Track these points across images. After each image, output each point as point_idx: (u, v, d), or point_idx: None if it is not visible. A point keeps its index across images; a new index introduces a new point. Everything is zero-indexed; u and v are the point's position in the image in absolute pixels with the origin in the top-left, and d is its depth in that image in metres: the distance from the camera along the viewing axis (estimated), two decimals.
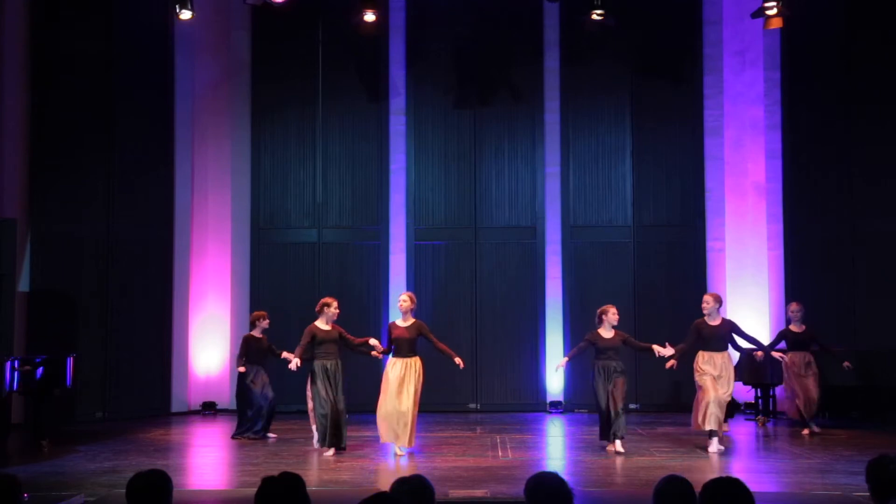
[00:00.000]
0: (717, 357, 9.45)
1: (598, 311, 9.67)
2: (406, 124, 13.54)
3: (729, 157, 13.33)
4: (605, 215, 13.44)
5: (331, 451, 9.30)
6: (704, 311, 9.52)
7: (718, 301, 9.67)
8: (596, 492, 7.44)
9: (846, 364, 10.83)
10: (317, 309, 9.80)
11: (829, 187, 12.90)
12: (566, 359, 10.09)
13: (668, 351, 9.45)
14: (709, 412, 9.26)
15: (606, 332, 9.57)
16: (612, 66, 13.47)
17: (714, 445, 9.25)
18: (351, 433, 10.85)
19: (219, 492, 7.70)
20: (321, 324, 9.70)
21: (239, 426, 10.69)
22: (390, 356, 9.52)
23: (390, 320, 12.71)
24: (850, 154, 12.82)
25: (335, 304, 9.78)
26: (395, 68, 13.59)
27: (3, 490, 3.63)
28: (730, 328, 9.62)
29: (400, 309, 9.55)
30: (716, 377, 9.37)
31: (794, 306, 11.01)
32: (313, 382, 9.58)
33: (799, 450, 9.59)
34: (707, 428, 9.28)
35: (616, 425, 9.30)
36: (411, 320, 9.48)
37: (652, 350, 9.58)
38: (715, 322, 9.52)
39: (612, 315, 9.58)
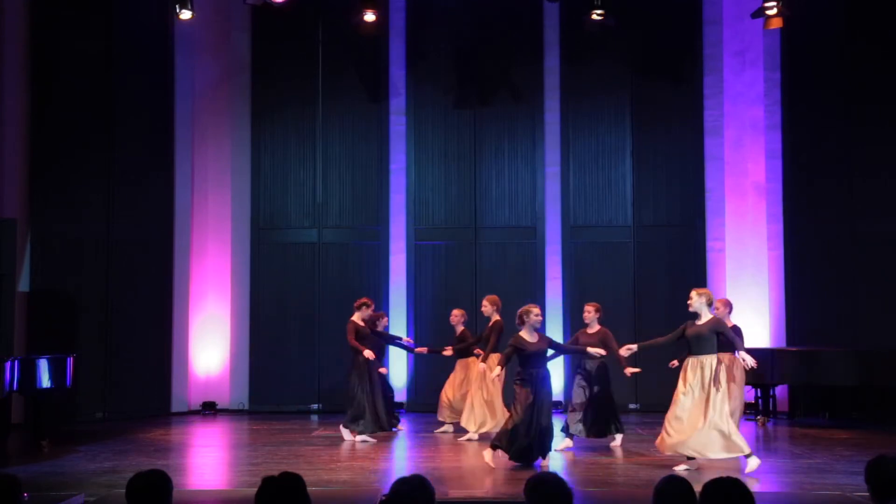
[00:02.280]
0: (706, 361, 8.27)
1: (519, 311, 8.58)
2: (406, 124, 13.54)
3: (729, 157, 13.33)
4: (605, 215, 13.44)
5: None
6: (690, 309, 8.50)
7: (704, 297, 8.53)
8: (596, 492, 7.44)
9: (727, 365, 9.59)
10: (356, 305, 10.61)
11: (829, 187, 12.90)
12: (500, 369, 8.92)
13: (598, 351, 8.83)
14: (662, 432, 8.35)
15: (530, 337, 8.50)
16: (612, 66, 13.47)
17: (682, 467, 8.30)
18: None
19: (219, 492, 7.69)
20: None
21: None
22: None
23: (389, 320, 12.78)
24: (850, 154, 12.82)
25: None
26: (395, 68, 13.59)
27: (3, 490, 3.63)
28: (712, 328, 8.42)
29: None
30: (702, 389, 8.20)
31: (716, 303, 9.57)
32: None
33: (799, 450, 9.59)
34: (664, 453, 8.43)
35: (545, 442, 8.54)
36: (493, 318, 10.52)
37: (586, 352, 9.13)
38: (700, 321, 8.44)
39: (534, 317, 8.50)
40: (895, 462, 3.71)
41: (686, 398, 8.24)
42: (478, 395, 10.43)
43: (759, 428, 11.38)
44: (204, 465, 9.39)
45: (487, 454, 8.50)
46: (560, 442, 9.66)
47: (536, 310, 8.56)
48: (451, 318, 11.21)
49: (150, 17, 12.94)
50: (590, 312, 9.90)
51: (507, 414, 9.16)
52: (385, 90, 13.56)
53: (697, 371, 8.28)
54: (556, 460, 9.34)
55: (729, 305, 9.94)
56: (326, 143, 13.59)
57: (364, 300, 10.69)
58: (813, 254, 12.86)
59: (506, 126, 13.51)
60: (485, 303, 10.66)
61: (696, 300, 8.48)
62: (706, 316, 8.45)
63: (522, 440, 8.33)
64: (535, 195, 13.45)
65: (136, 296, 12.56)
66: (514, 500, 6.72)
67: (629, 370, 9.42)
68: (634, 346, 8.80)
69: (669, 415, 8.32)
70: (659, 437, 8.38)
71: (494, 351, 10.17)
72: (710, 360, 8.27)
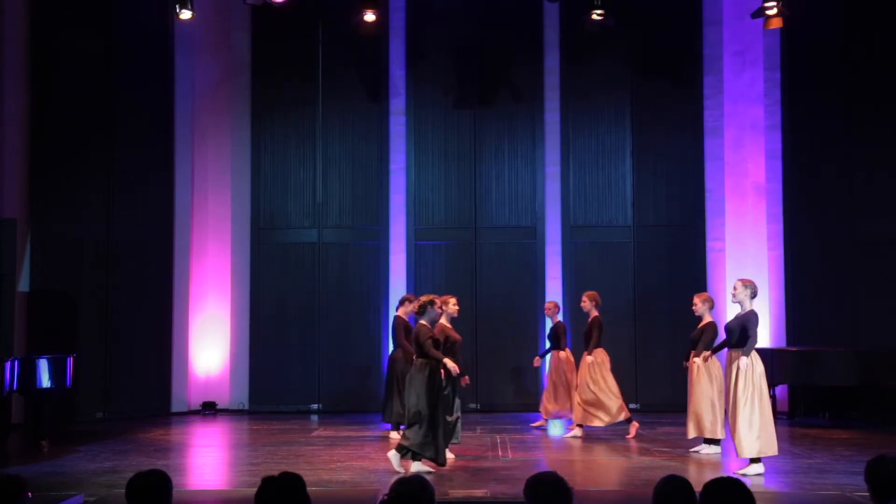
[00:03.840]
0: (692, 359, 9.42)
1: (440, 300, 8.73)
2: (406, 124, 13.54)
3: (729, 158, 13.32)
4: (605, 215, 13.44)
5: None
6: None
7: (703, 301, 9.55)
8: (596, 492, 7.44)
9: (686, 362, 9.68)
10: (401, 300, 10.52)
11: (829, 187, 12.90)
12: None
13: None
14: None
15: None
16: (612, 66, 13.47)
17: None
18: (350, 433, 10.89)
19: (219, 492, 7.70)
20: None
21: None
22: None
23: (389, 319, 12.81)
24: (850, 154, 12.82)
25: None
26: (395, 68, 13.59)
27: (8, 490, 3.63)
28: (700, 332, 9.47)
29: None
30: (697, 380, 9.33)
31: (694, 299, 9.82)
32: None
33: (799, 450, 9.59)
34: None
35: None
36: (592, 314, 10.68)
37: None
38: (700, 324, 9.54)
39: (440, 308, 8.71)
40: (895, 462, 3.70)
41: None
42: (586, 389, 10.55)
43: None
44: (204, 465, 9.39)
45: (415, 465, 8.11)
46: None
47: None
48: (546, 310, 11.53)
49: (150, 17, 12.93)
50: (696, 306, 9.64)
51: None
52: (385, 90, 13.56)
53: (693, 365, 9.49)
54: (556, 461, 9.35)
55: (697, 303, 9.68)
56: (326, 143, 13.59)
57: (407, 296, 10.66)
58: (813, 254, 12.85)
59: (506, 126, 13.51)
60: (584, 299, 10.82)
61: (700, 305, 9.55)
62: (703, 320, 9.52)
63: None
64: (535, 195, 13.45)
65: (136, 296, 12.55)
66: (514, 500, 6.72)
67: (465, 379, 9.22)
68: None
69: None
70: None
71: (597, 346, 10.58)
72: (700, 356, 9.34)
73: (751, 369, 7.94)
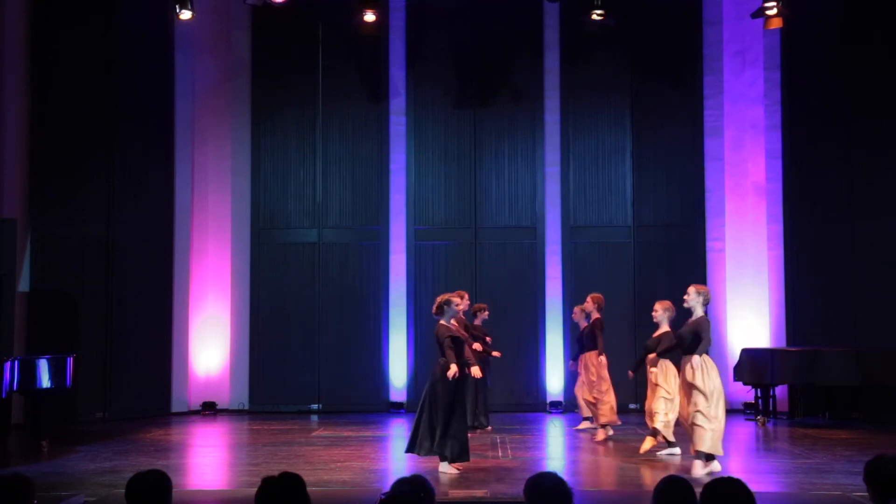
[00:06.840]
0: (650, 367, 9.08)
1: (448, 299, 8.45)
2: (406, 124, 13.54)
3: (729, 158, 13.33)
4: (605, 215, 13.44)
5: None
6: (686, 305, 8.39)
7: (664, 309, 9.07)
8: (596, 492, 7.45)
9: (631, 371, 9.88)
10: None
11: (829, 187, 12.91)
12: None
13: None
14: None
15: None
16: (612, 66, 13.47)
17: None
18: (350, 433, 10.88)
19: (219, 492, 7.70)
20: None
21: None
22: None
23: (389, 319, 12.88)
24: (850, 154, 12.83)
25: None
26: (395, 68, 13.59)
27: (15, 490, 3.62)
28: (657, 340, 9.03)
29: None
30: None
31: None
32: None
33: (799, 450, 9.59)
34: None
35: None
36: (594, 316, 10.77)
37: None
38: (656, 332, 9.13)
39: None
40: (895, 462, 3.70)
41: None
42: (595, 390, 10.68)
43: (759, 428, 11.37)
44: (204, 465, 9.39)
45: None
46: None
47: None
48: (573, 315, 11.43)
49: (150, 17, 12.93)
50: (656, 312, 9.37)
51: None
52: (385, 90, 13.56)
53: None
54: (556, 461, 9.35)
55: (656, 310, 9.27)
56: (326, 143, 13.59)
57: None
58: (813, 254, 12.86)
59: (506, 126, 13.51)
60: (588, 300, 10.89)
61: (661, 312, 9.07)
62: (661, 328, 9.08)
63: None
64: (535, 195, 13.45)
65: (136, 296, 12.55)
66: (514, 499, 6.72)
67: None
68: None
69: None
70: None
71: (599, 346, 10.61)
72: (659, 363, 8.99)
73: (704, 369, 7.91)
